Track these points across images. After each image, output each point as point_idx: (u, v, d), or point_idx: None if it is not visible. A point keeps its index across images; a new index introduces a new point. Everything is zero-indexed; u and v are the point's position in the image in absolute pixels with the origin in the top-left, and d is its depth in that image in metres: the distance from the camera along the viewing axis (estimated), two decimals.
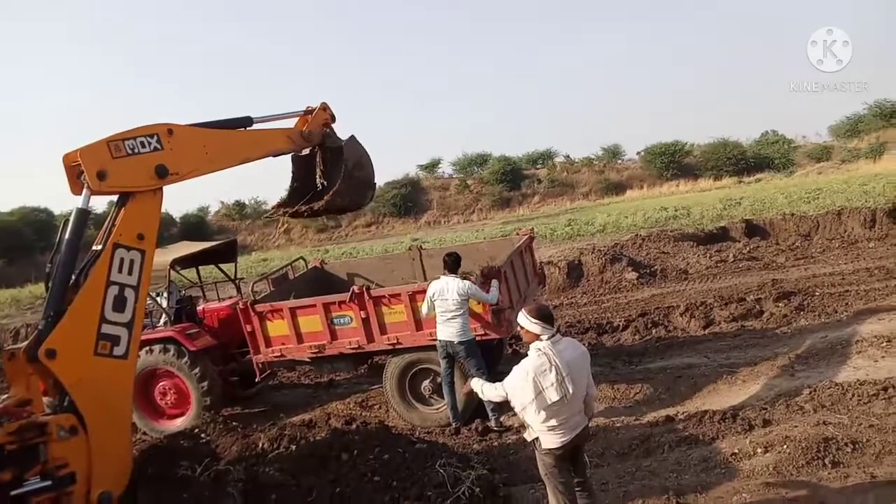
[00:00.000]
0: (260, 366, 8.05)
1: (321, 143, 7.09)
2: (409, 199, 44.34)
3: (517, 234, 9.85)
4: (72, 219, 5.03)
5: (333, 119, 7.25)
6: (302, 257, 10.46)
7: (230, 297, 10.39)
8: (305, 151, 7.27)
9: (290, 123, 6.96)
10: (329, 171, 7.10)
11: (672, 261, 15.39)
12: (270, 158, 6.80)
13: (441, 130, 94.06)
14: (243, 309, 7.75)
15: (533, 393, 4.00)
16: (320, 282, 9.60)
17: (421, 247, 10.21)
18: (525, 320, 4.22)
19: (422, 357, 7.55)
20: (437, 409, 7.65)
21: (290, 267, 9.97)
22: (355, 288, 7.39)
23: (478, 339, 7.21)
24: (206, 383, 8.45)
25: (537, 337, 4.17)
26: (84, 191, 5.03)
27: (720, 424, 6.24)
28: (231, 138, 6.14)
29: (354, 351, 7.61)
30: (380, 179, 7.71)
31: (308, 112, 7.04)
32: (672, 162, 44.71)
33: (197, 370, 8.43)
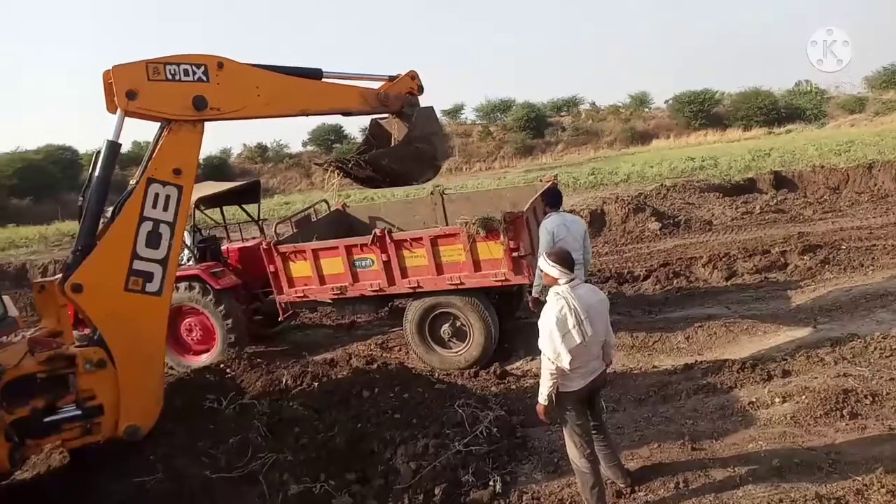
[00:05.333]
0: (283, 306, 8.17)
1: (399, 110, 6.78)
2: None
3: (541, 180, 9.75)
4: (102, 151, 4.98)
5: (421, 90, 6.92)
6: (325, 200, 10.47)
7: (253, 238, 10.48)
8: (385, 118, 6.98)
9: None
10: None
11: (697, 212, 15.20)
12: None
13: (465, 74, 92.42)
14: (267, 249, 7.82)
15: (560, 338, 4.02)
16: (342, 224, 9.64)
17: (443, 192, 10.15)
18: (545, 264, 4.25)
19: (442, 301, 7.59)
20: (456, 352, 7.74)
21: (312, 209, 10.00)
22: (377, 231, 7.41)
23: (498, 285, 7.24)
24: (230, 321, 8.62)
25: (556, 281, 4.20)
26: (117, 114, 4.93)
27: (739, 374, 6.26)
28: (291, 85, 5.88)
29: (375, 293, 7.67)
30: None
31: (392, 78, 6.78)
32: (701, 111, 43.64)
33: (222, 308, 8.59)
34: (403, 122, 6.91)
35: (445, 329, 7.72)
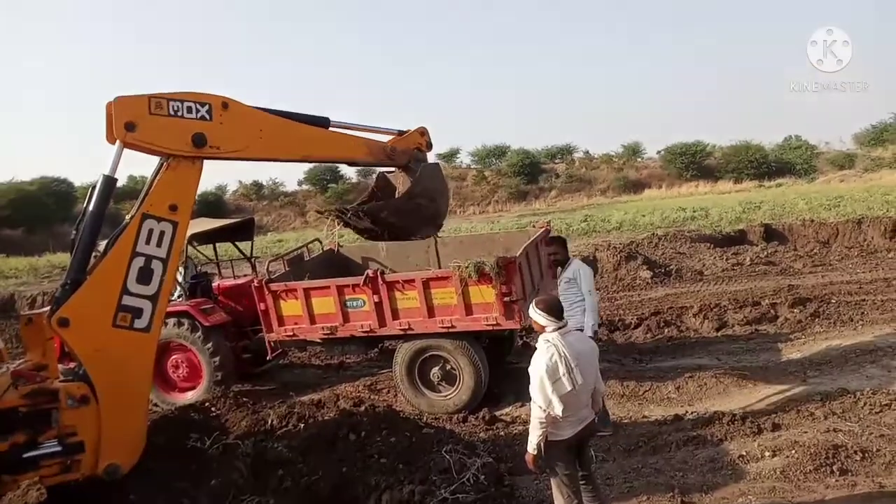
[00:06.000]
0: (272, 344, 8.10)
1: (406, 164, 6.77)
2: None
3: (534, 226, 9.82)
4: (98, 186, 4.97)
5: (429, 147, 6.93)
6: (318, 239, 10.48)
7: (245, 275, 10.45)
8: (392, 172, 6.99)
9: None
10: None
11: (688, 261, 15.30)
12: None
13: (460, 120, 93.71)
14: (258, 287, 7.78)
15: (551, 386, 4.00)
16: (335, 264, 9.63)
17: (436, 234, 10.19)
18: (533, 312, 4.25)
19: (432, 344, 7.55)
20: (445, 396, 7.67)
21: (305, 248, 10.01)
22: (370, 272, 7.41)
23: (489, 329, 7.22)
24: (218, 358, 8.54)
25: (545, 329, 4.19)
26: (115, 146, 4.92)
27: (729, 426, 6.23)
28: (296, 130, 5.90)
29: (366, 334, 7.62)
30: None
31: (402, 133, 6.81)
32: (692, 163, 44.28)
33: (210, 345, 8.52)
34: (408, 177, 6.89)
35: (435, 372, 7.66)
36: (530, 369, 4.16)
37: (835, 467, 5.19)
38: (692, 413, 6.80)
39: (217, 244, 10.66)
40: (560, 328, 4.16)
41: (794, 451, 5.45)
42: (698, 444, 6.01)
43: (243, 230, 10.28)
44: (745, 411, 6.62)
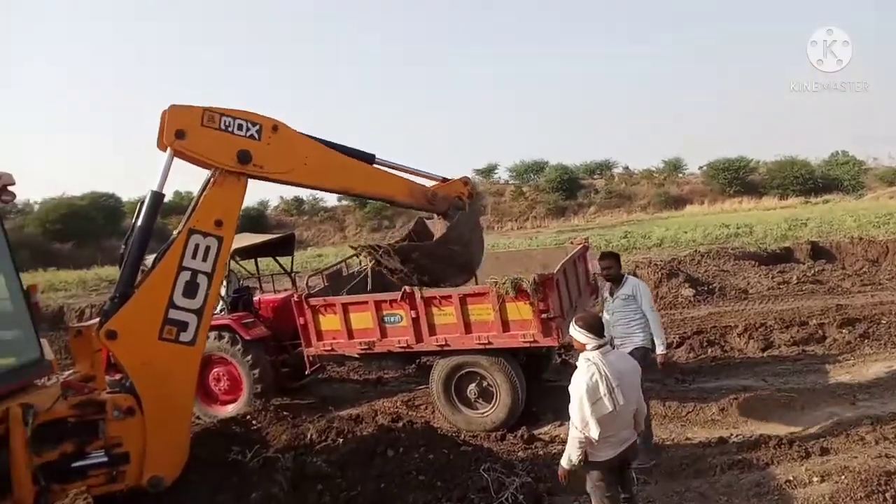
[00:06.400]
0: (310, 358, 8.17)
1: (444, 211, 6.69)
2: None
3: (571, 243, 9.75)
4: (146, 202, 5.07)
5: (471, 196, 6.88)
6: (356, 254, 10.57)
7: (285, 290, 10.59)
8: (430, 218, 7.00)
9: None
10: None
11: (732, 279, 14.99)
12: None
13: (499, 134, 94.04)
14: (297, 302, 7.88)
15: (590, 406, 3.95)
16: (373, 279, 9.69)
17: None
18: (574, 330, 4.21)
19: (469, 360, 7.54)
20: (483, 413, 7.62)
21: (344, 263, 10.11)
22: (407, 287, 7.43)
23: (526, 346, 7.17)
24: (257, 372, 8.66)
25: (585, 347, 4.15)
26: (165, 157, 5.00)
27: (775, 450, 6.06)
28: (340, 161, 5.92)
29: (403, 350, 7.65)
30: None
31: (446, 180, 6.78)
32: (736, 178, 43.58)
33: (250, 358, 8.65)
34: (445, 223, 6.90)
35: (472, 389, 7.63)
36: (570, 388, 4.12)
37: (888, 494, 4.97)
38: (737, 436, 6.64)
39: (259, 259, 10.84)
40: (601, 346, 4.11)
41: (843, 477, 5.27)
42: (743, 467, 5.85)
43: (284, 245, 10.44)
44: (792, 435, 6.44)
